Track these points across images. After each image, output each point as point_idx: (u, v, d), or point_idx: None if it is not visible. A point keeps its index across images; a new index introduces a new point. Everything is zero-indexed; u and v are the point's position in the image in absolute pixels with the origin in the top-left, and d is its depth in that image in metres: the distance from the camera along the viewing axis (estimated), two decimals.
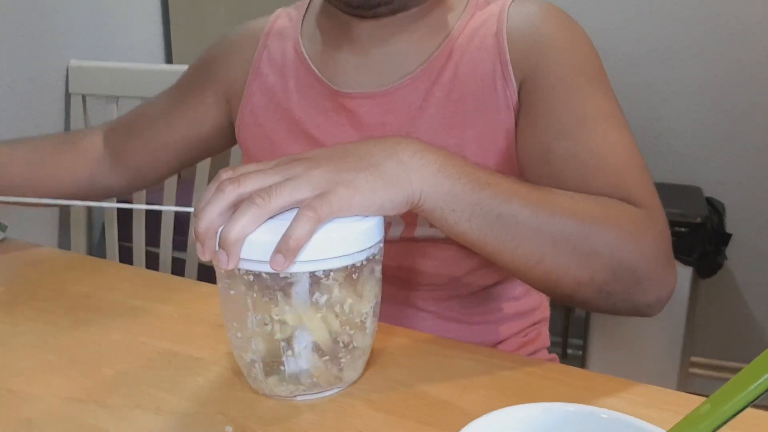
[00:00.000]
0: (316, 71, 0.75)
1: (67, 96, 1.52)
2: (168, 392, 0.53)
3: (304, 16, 0.80)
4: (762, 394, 0.31)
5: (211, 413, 0.50)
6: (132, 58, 1.72)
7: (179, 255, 1.33)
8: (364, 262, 0.48)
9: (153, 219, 1.34)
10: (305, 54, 0.76)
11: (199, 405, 0.51)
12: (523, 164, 0.67)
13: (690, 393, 0.52)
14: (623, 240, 0.54)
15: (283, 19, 0.81)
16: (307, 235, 0.45)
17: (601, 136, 0.62)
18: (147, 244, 1.33)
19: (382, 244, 0.51)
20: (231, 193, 0.47)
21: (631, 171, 0.61)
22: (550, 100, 0.65)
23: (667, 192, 1.70)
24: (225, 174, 0.49)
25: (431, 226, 0.69)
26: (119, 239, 1.37)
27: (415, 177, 0.50)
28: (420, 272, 0.73)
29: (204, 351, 0.59)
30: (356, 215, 0.48)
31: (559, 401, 0.40)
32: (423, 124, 0.70)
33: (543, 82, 0.66)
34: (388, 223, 0.71)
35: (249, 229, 0.46)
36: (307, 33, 0.78)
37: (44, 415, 0.50)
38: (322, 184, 0.47)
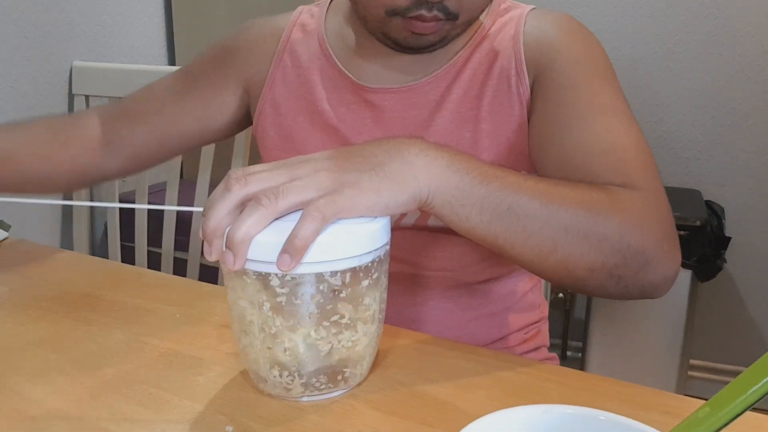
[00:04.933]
0: (341, 66, 0.76)
1: (71, 97, 1.52)
2: (169, 392, 0.53)
3: (326, 14, 0.81)
4: (761, 398, 0.32)
5: (212, 413, 0.50)
6: (135, 59, 1.72)
7: (181, 255, 1.33)
8: (371, 264, 0.49)
9: (155, 219, 1.35)
10: (330, 49, 0.78)
11: (201, 405, 0.51)
12: (533, 155, 0.69)
13: (689, 396, 0.52)
14: (631, 223, 0.55)
15: (306, 15, 0.82)
16: (312, 235, 0.45)
17: (606, 126, 0.64)
18: (149, 245, 1.33)
19: (388, 247, 0.51)
20: (238, 193, 0.47)
21: (635, 158, 0.62)
22: (560, 94, 0.67)
23: (666, 195, 1.69)
24: (234, 174, 0.49)
25: None
26: (121, 239, 1.37)
27: (422, 174, 0.50)
28: (430, 259, 0.75)
29: (206, 351, 0.59)
30: (362, 215, 0.48)
31: (559, 403, 0.40)
32: (441, 118, 0.72)
33: (554, 78, 0.69)
34: (402, 214, 0.73)
35: (255, 229, 0.46)
36: (331, 30, 0.79)
37: (46, 414, 0.51)
38: (327, 185, 0.47)
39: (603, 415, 0.38)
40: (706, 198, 1.72)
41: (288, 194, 0.47)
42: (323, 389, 0.51)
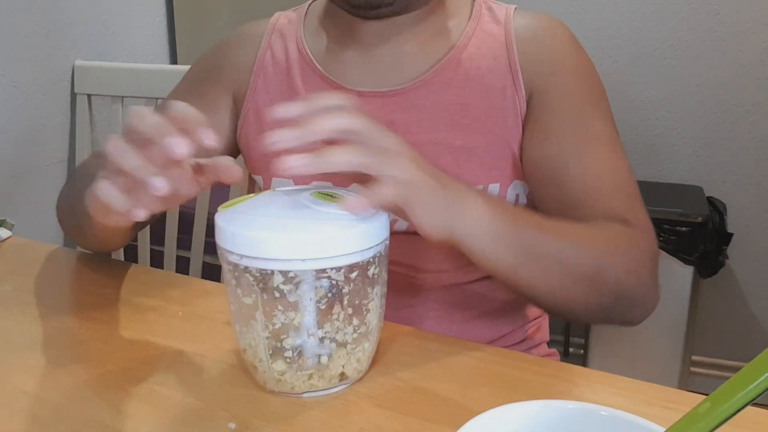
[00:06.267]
0: (321, 69, 0.76)
1: (73, 96, 1.52)
2: (172, 389, 0.53)
3: (304, 18, 0.81)
4: (762, 393, 0.32)
5: (215, 410, 0.51)
6: (137, 58, 1.72)
7: (183, 253, 1.33)
8: (372, 259, 0.49)
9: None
10: (309, 53, 0.77)
11: (203, 402, 0.52)
12: (527, 173, 0.72)
13: (691, 392, 0.52)
14: (630, 268, 0.61)
15: (283, 20, 0.82)
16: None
17: (602, 160, 0.69)
18: (151, 243, 1.34)
19: (388, 242, 0.51)
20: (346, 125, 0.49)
21: (628, 193, 0.68)
22: (557, 120, 0.70)
23: (668, 191, 1.69)
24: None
25: None
26: None
27: (465, 212, 0.53)
28: (425, 261, 0.75)
29: (208, 348, 0.59)
30: (394, 217, 0.51)
31: (560, 398, 0.40)
32: (430, 124, 0.72)
33: (552, 102, 0.71)
34: (394, 219, 0.73)
35: (345, 161, 0.48)
36: (309, 33, 0.79)
37: (50, 411, 0.51)
38: (410, 176, 0.49)
39: (604, 410, 0.39)
40: (708, 194, 1.71)
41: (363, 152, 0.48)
42: (324, 384, 0.51)
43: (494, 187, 0.72)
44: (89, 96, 1.49)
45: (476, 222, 0.53)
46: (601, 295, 0.60)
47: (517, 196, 0.74)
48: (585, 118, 0.70)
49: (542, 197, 0.72)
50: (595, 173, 0.68)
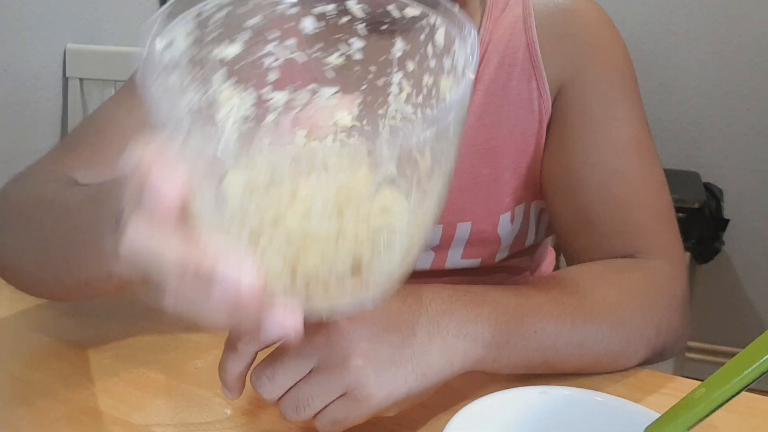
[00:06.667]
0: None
1: (65, 80, 1.51)
2: (167, 375, 0.53)
3: None
4: (757, 378, 0.32)
5: (211, 396, 0.50)
6: (129, 41, 1.71)
7: None
8: None
9: None
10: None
11: (199, 388, 0.51)
12: (545, 184, 0.64)
13: (686, 377, 0.53)
14: (659, 326, 0.54)
15: None
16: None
17: (632, 169, 0.60)
18: None
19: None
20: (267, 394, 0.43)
21: (655, 212, 0.59)
22: (584, 120, 0.61)
23: (668, 186, 1.69)
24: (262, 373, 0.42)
25: (463, 257, 0.65)
26: None
27: (458, 359, 0.45)
28: (434, 280, 0.67)
29: (203, 335, 0.59)
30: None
31: (556, 384, 0.40)
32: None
33: (579, 97, 0.62)
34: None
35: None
36: None
37: (45, 398, 0.51)
38: (355, 381, 0.41)
39: (600, 396, 0.39)
40: (704, 180, 1.72)
41: (310, 407, 0.42)
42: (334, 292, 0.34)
43: (519, 209, 0.66)
44: (81, 80, 1.48)
45: (472, 365, 0.46)
46: (635, 357, 0.53)
47: (540, 210, 0.68)
48: (615, 117, 0.61)
49: (558, 211, 0.63)
50: (622, 183, 0.59)
